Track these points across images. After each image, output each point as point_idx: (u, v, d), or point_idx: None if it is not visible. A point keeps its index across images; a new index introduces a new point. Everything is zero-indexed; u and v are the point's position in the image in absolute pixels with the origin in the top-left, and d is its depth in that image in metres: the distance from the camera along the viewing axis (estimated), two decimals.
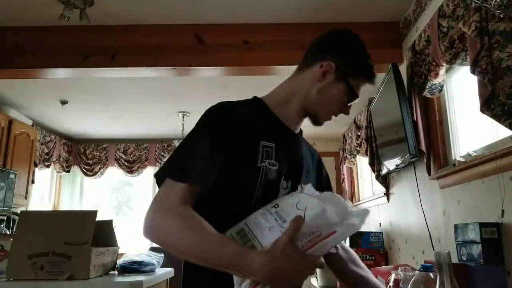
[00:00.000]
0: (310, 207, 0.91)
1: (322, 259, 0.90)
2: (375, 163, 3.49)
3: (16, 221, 2.72)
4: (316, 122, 1.19)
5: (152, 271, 2.24)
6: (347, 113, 1.19)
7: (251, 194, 1.01)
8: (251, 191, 1.01)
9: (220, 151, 1.00)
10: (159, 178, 1.01)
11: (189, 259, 0.95)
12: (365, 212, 0.96)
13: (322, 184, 1.30)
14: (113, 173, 6.39)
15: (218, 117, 1.07)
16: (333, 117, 1.20)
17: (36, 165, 5.14)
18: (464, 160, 2.11)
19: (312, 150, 1.30)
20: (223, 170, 0.99)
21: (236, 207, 0.99)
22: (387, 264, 3.24)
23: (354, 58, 1.16)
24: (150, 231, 0.94)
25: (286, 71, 2.98)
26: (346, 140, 5.29)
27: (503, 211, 1.72)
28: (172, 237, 0.92)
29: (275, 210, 0.94)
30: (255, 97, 1.19)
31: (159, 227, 0.93)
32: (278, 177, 1.06)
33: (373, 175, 3.65)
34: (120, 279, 1.97)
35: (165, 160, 5.20)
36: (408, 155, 2.51)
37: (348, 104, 1.17)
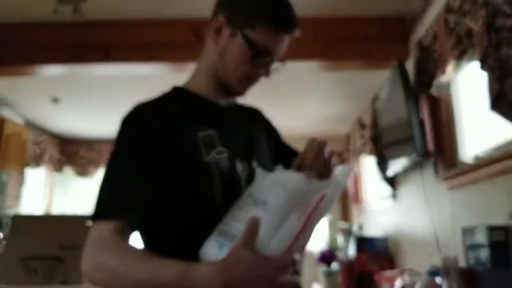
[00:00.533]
0: (287, 180, 0.86)
1: (295, 256, 0.80)
2: (381, 164, 3.44)
3: (8, 223, 2.69)
4: (232, 91, 1.04)
5: None
6: (265, 74, 1.01)
7: (211, 194, 0.90)
8: (209, 191, 0.90)
9: (152, 165, 0.89)
10: (91, 216, 0.89)
11: None
12: (348, 169, 0.94)
13: (281, 146, 1.17)
14: None
15: (137, 126, 0.94)
16: (247, 81, 1.02)
17: (27, 165, 5.10)
18: (472, 161, 2.07)
19: (252, 114, 1.18)
20: (165, 185, 0.89)
21: (203, 214, 0.89)
22: (392, 269, 3.18)
23: (245, 4, 0.98)
24: (87, 277, 0.83)
25: (287, 67, 2.93)
26: (350, 140, 5.24)
27: (511, 214, 1.68)
28: (108, 275, 0.81)
29: (250, 198, 0.87)
30: (174, 87, 1.07)
31: (94, 270, 0.83)
32: (231, 163, 0.95)
33: (378, 176, 3.60)
34: None
35: None
36: (415, 155, 2.47)
37: (259, 63, 0.99)
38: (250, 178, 0.95)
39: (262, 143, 1.09)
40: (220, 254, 0.79)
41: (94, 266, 0.82)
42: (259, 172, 0.95)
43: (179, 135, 0.93)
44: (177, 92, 1.05)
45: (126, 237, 0.86)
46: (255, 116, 1.17)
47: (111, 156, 0.94)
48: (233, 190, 0.91)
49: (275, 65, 1.02)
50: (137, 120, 0.95)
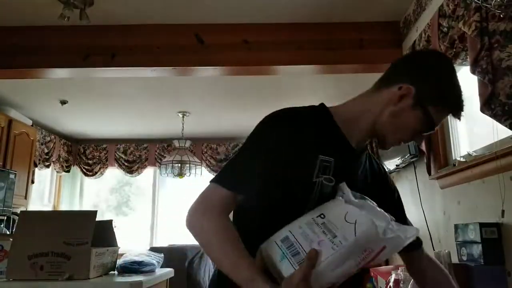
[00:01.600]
0: (360, 221, 0.86)
1: None
2: None
3: (16, 221, 2.72)
4: (383, 145, 1.10)
5: (152, 271, 2.24)
6: (419, 143, 1.10)
7: (302, 208, 0.96)
8: (303, 204, 0.97)
9: (273, 163, 0.98)
10: (213, 178, 1.03)
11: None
12: (414, 231, 0.91)
13: (393, 206, 1.18)
14: (113, 173, 6.38)
15: (276, 126, 1.02)
16: (400, 143, 1.10)
17: (36, 165, 5.13)
18: (464, 160, 2.10)
19: (377, 168, 1.20)
20: (275, 182, 0.98)
21: (285, 218, 0.94)
22: (387, 265, 3.22)
23: (438, 85, 1.04)
24: (189, 227, 0.99)
25: (285, 71, 2.99)
26: None
27: (503, 211, 1.72)
28: (204, 240, 0.96)
29: (322, 221, 0.90)
30: (322, 105, 1.11)
31: (196, 227, 0.98)
32: (333, 193, 0.99)
33: None
34: (120, 279, 1.97)
35: (165, 160, 5.20)
36: (408, 155, 2.51)
37: (423, 134, 1.06)
38: None
39: (372, 192, 1.09)
40: (278, 264, 0.86)
41: (195, 224, 0.98)
42: (343, 188, 0.98)
43: (304, 150, 1.00)
44: (321, 112, 1.08)
45: (229, 208, 0.99)
46: (379, 172, 1.19)
47: (251, 141, 1.04)
48: None
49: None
50: (278, 123, 1.03)
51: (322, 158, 1.00)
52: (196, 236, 0.98)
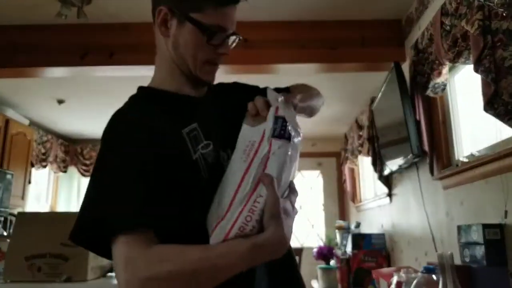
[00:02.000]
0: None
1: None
2: (377, 164, 3.47)
3: (13, 222, 2.70)
4: (198, 80, 0.98)
5: None
6: (225, 52, 0.96)
7: (204, 190, 0.85)
8: (201, 188, 0.86)
9: (146, 171, 0.82)
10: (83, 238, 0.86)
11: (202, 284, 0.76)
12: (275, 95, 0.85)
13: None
14: None
15: (120, 136, 0.88)
16: (210, 65, 0.97)
17: (32, 165, 5.11)
18: (467, 160, 2.09)
19: (229, 90, 1.11)
20: (162, 191, 0.82)
21: (198, 210, 0.83)
22: (389, 266, 3.22)
23: None
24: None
25: (286, 70, 2.97)
26: (347, 140, 5.27)
27: (506, 212, 1.71)
28: (171, 275, 0.73)
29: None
30: (140, 88, 1.02)
31: (150, 281, 0.73)
32: (216, 154, 0.91)
33: (375, 175, 3.63)
34: None
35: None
36: (411, 155, 2.50)
37: (216, 43, 0.94)
38: None
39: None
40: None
41: (145, 278, 0.73)
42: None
43: (165, 134, 0.88)
44: (147, 93, 1.00)
45: (156, 241, 0.79)
46: (233, 92, 1.10)
47: (98, 171, 0.85)
48: (218, 181, 0.85)
49: (232, 40, 0.98)
50: (119, 131, 0.89)
51: (186, 131, 0.90)
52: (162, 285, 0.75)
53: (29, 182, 4.97)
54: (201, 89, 1.02)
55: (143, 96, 1.00)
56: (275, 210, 0.74)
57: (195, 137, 0.90)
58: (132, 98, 1.00)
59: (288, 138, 0.79)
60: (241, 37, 1.00)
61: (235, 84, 1.16)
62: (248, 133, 0.83)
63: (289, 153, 0.79)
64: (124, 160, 0.83)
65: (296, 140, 0.82)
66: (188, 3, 0.92)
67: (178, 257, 0.74)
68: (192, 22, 0.91)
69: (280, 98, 0.85)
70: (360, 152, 4.40)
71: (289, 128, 0.80)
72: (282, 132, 0.79)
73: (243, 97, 0.95)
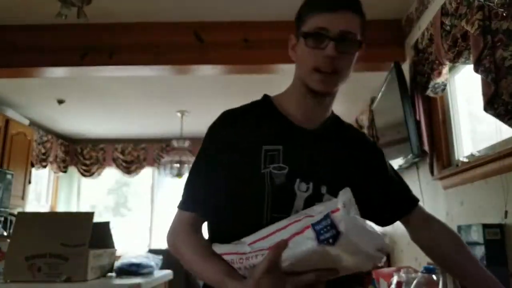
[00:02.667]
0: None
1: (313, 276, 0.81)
2: None
3: (13, 222, 2.70)
4: (311, 89, 1.03)
5: (151, 273, 2.22)
6: (328, 53, 0.96)
7: (260, 203, 0.97)
8: (260, 199, 0.97)
9: (217, 169, 1.02)
10: (177, 204, 1.08)
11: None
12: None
13: (388, 181, 1.19)
14: (111, 174, 6.35)
15: (215, 132, 1.07)
16: (318, 73, 1.00)
17: (32, 165, 5.11)
18: (467, 160, 2.09)
19: (355, 140, 1.15)
20: (224, 189, 1.01)
21: (248, 217, 0.97)
22: (389, 266, 3.22)
23: (298, 12, 1.07)
24: (169, 248, 1.07)
25: (286, 69, 2.97)
26: None
27: (506, 212, 1.72)
28: (182, 259, 1.02)
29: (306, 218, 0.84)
30: (264, 96, 1.13)
31: (172, 248, 1.05)
32: (288, 180, 0.97)
33: None
34: (118, 281, 1.96)
35: (164, 160, 5.17)
36: (411, 155, 2.50)
37: (321, 47, 0.97)
38: (313, 199, 0.96)
39: (353, 170, 1.07)
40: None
41: (171, 245, 1.05)
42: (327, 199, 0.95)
43: (245, 145, 1.01)
44: (263, 104, 1.11)
45: (197, 225, 1.04)
46: (357, 144, 1.15)
47: (197, 157, 1.09)
48: (283, 205, 0.96)
49: (333, 44, 0.97)
50: (216, 129, 1.07)
51: (266, 148, 1.00)
52: (176, 256, 1.04)
53: (29, 182, 4.96)
54: (322, 122, 1.10)
55: (258, 105, 1.11)
56: (257, 275, 0.80)
57: (272, 156, 1.00)
58: (250, 103, 1.12)
59: (320, 239, 0.78)
60: (342, 39, 0.98)
61: (362, 135, 1.23)
62: (310, 209, 0.86)
63: (317, 249, 0.78)
64: (203, 156, 1.06)
65: (344, 241, 0.77)
66: (298, 21, 1.05)
67: (186, 254, 1.00)
68: (302, 34, 1.01)
69: (341, 204, 0.81)
70: None
71: (332, 233, 0.78)
72: (321, 230, 0.79)
73: (370, 158, 1.14)
